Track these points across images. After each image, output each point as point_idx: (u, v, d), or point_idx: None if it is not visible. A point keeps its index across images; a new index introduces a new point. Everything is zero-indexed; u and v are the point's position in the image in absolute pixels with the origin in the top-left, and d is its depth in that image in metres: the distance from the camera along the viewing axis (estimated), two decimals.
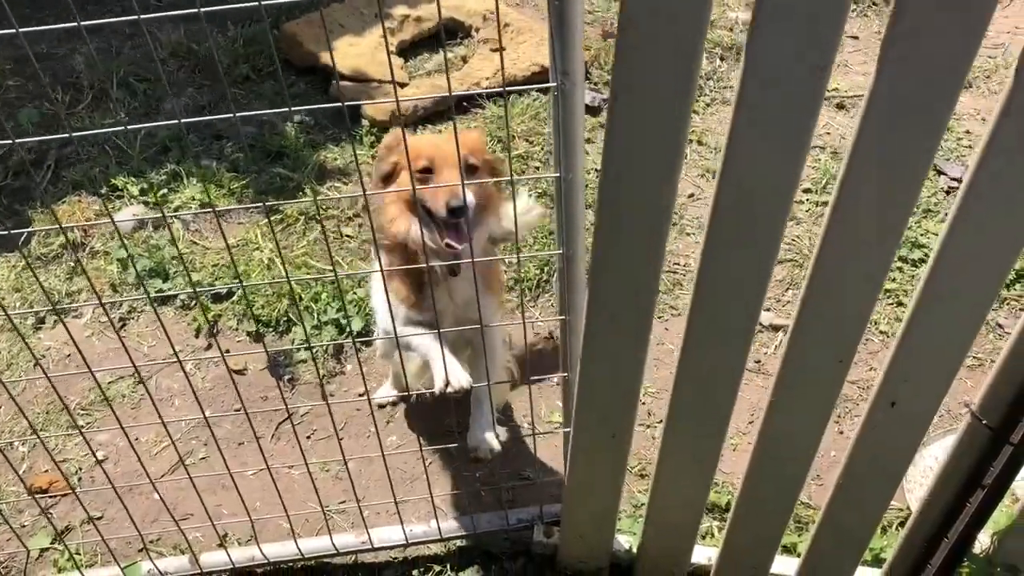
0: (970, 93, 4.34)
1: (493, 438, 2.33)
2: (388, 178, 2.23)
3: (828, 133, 4.09)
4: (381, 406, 2.97)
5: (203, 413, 2.24)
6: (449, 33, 4.68)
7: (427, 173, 2.08)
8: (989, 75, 4.42)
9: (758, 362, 3.09)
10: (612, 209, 1.54)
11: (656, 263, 1.66)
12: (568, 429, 2.16)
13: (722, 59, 4.51)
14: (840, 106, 4.25)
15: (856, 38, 4.75)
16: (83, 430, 2.89)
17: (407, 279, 2.27)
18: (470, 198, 2.04)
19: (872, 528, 2.04)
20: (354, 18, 4.52)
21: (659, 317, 3.23)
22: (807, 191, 3.75)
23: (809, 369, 1.74)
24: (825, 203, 3.71)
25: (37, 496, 2.71)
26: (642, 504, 2.48)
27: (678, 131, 1.41)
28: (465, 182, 1.88)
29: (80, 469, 2.81)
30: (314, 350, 3.08)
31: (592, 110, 4.18)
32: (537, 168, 3.86)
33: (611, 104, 1.40)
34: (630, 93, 1.37)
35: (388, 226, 2.18)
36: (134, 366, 1.97)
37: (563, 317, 1.94)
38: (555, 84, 1.55)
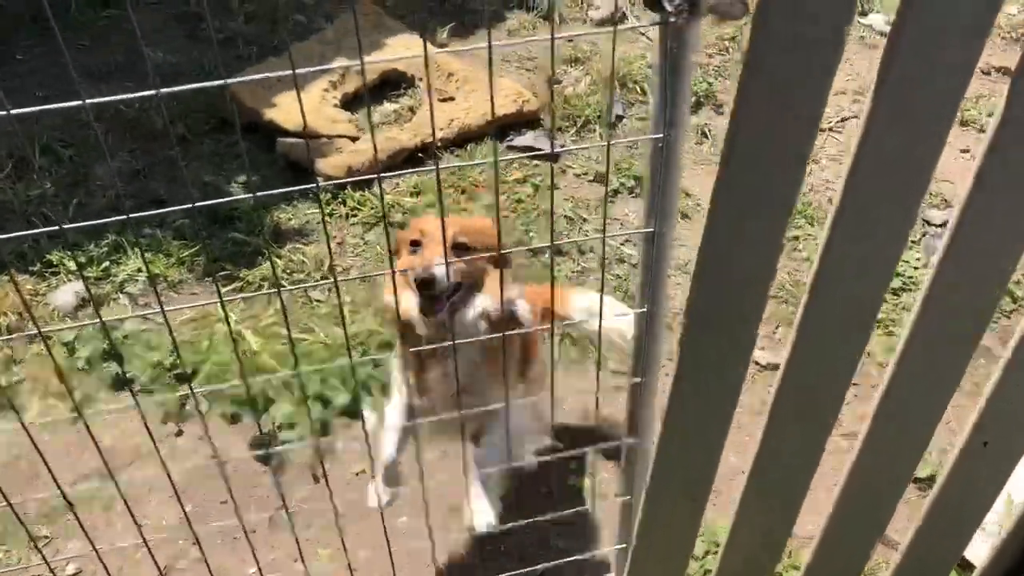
0: None
1: (491, 510, 2.27)
2: (398, 253, 2.22)
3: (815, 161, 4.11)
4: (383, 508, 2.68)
5: (186, 514, 1.98)
6: (392, 84, 4.54)
7: (417, 246, 2.10)
8: None
9: (764, 403, 3.01)
10: (717, 265, 1.43)
11: (756, 320, 1.56)
12: (627, 497, 2.02)
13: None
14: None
15: None
16: (48, 543, 2.57)
17: (412, 362, 2.25)
18: (442, 273, 1.99)
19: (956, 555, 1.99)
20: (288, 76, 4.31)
21: None
22: (811, 224, 3.74)
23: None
24: (795, 237, 3.74)
25: None
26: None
27: (792, 194, 1.33)
28: (451, 260, 1.98)
29: None
30: (299, 432, 2.84)
31: (549, 156, 4.09)
32: (505, 217, 3.73)
33: (724, 160, 1.29)
34: (746, 150, 1.27)
35: (390, 303, 2.20)
36: (107, 467, 1.71)
37: (637, 379, 1.80)
38: (660, 135, 1.43)
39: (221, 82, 1.17)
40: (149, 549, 1.78)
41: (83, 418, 1.35)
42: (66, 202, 3.74)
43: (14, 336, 3.17)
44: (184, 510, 1.69)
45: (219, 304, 3.17)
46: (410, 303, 2.10)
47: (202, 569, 2.50)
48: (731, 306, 1.51)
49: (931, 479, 2.72)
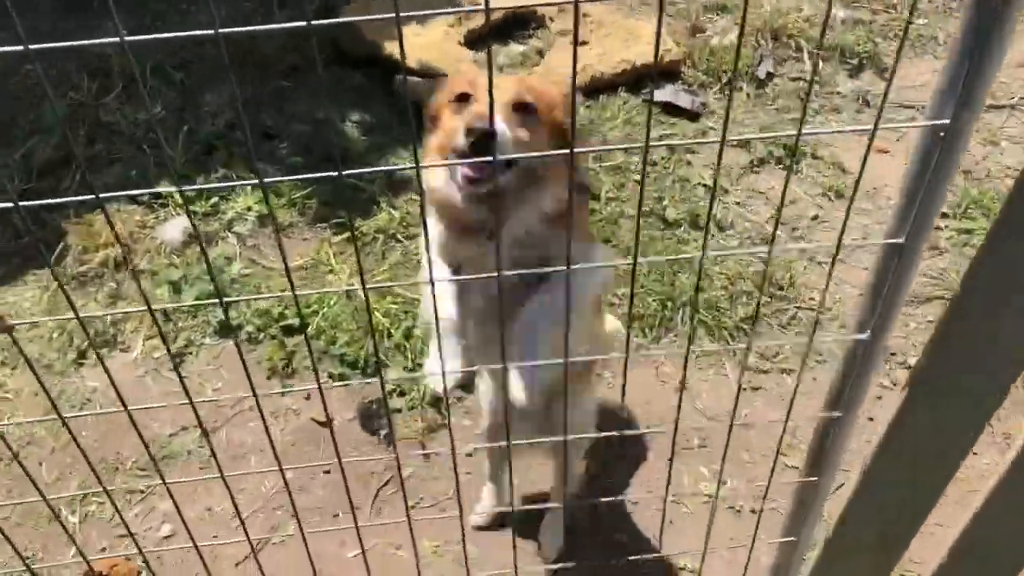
0: None
1: (558, 536, 2.30)
2: (434, 123, 1.65)
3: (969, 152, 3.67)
4: (479, 528, 2.43)
5: (285, 481, 1.78)
6: (520, 23, 4.21)
7: (464, 101, 1.55)
8: None
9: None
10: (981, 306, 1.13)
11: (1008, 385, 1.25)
12: (791, 539, 1.75)
13: (824, 60, 4.07)
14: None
15: None
16: (143, 499, 2.44)
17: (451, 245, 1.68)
18: (503, 129, 1.46)
19: None
20: (418, 5, 4.03)
21: (809, 367, 2.81)
22: (944, 216, 3.34)
23: None
24: (967, 230, 3.33)
25: None
26: None
27: None
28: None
29: (144, 547, 2.34)
30: (410, 398, 2.63)
31: (689, 114, 3.74)
32: (637, 182, 3.41)
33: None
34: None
35: (425, 180, 1.61)
36: (199, 422, 1.50)
37: (835, 414, 1.50)
38: (945, 121, 1.11)
39: (340, 20, 0.91)
40: (243, 522, 1.58)
41: (177, 370, 1.12)
42: (175, 128, 3.56)
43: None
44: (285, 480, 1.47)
45: (332, 256, 2.97)
46: (445, 180, 1.54)
47: (298, 546, 2.34)
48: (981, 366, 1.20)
49: None
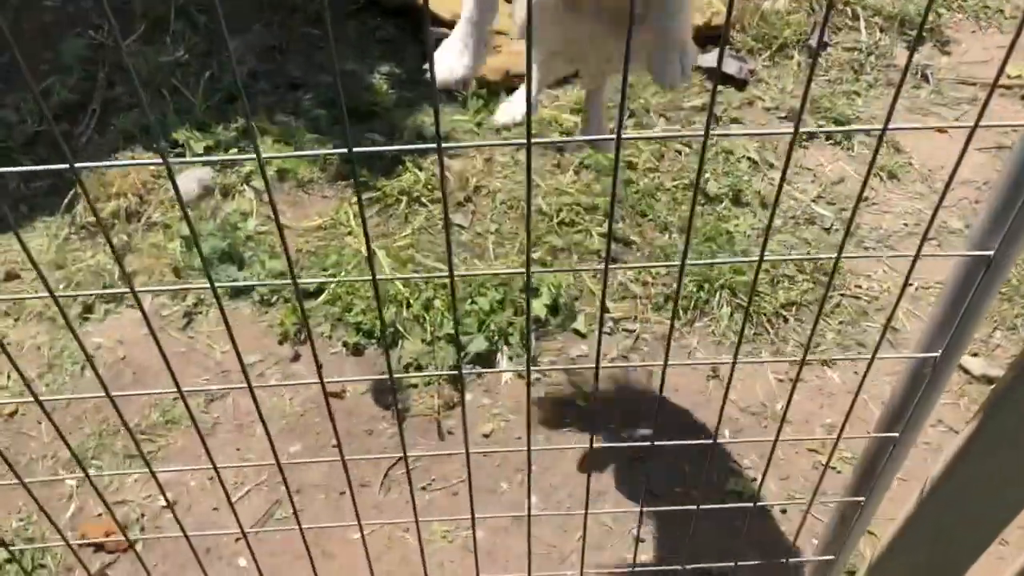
0: None
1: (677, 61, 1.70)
2: None
3: (1015, 131, 3.43)
4: (506, 127, 2.27)
5: (279, 469, 1.66)
6: None
7: None
8: None
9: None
10: None
11: None
12: (830, 557, 1.61)
13: (882, 31, 3.83)
14: None
15: None
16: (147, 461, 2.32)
17: None
18: None
19: None
20: None
21: (847, 347, 2.65)
22: None
23: None
24: None
25: (91, 552, 2.15)
26: None
27: None
28: None
29: (143, 516, 2.24)
30: (429, 375, 2.49)
31: (736, 82, 3.53)
32: (678, 153, 3.22)
33: None
34: None
35: None
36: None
37: (891, 434, 1.35)
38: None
39: None
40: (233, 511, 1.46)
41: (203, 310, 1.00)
42: (198, 73, 3.42)
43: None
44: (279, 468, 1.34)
45: (352, 216, 2.83)
46: None
47: (302, 522, 2.22)
48: None
49: None
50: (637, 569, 2.08)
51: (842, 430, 1.30)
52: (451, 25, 3.49)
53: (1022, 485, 1.24)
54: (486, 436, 2.43)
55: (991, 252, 1.06)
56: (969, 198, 3.16)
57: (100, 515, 2.24)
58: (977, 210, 3.14)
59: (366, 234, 0.84)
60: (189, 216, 0.86)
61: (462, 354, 2.54)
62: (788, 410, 2.39)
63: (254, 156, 0.84)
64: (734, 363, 1.13)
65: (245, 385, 1.08)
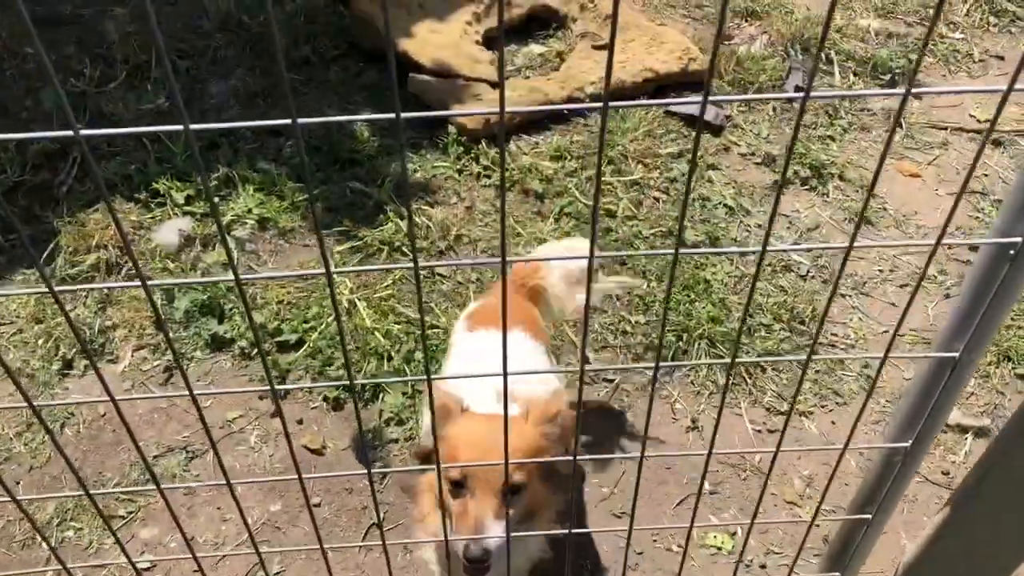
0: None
1: None
2: (426, 459, 1.85)
3: (986, 175, 3.51)
4: None
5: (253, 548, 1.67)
6: (541, 23, 4.05)
7: (460, 488, 1.64)
8: None
9: (946, 474, 2.54)
10: None
11: None
12: (835, 574, 1.62)
13: (856, 75, 3.90)
14: (996, 143, 3.67)
15: (1002, 58, 4.16)
16: (123, 525, 2.32)
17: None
18: (498, 543, 1.57)
19: None
20: (435, 3, 3.87)
21: (822, 406, 2.68)
22: (973, 249, 3.18)
23: None
24: None
25: None
26: None
27: None
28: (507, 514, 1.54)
29: None
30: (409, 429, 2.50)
31: (712, 127, 3.58)
32: (656, 200, 3.26)
33: None
34: None
35: (417, 519, 1.83)
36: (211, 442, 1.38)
37: (864, 515, 1.37)
38: (1015, 240, 0.97)
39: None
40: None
41: (188, 383, 1.01)
42: (179, 121, 3.42)
43: (111, 286, 2.90)
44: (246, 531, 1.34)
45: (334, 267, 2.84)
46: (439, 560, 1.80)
47: None
48: None
49: None
50: None
51: (823, 498, 1.32)
52: (432, 72, 3.54)
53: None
54: None
55: (956, 354, 1.08)
56: (942, 244, 3.20)
57: None
58: (950, 255, 3.20)
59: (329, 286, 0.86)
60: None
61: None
62: (765, 461, 2.42)
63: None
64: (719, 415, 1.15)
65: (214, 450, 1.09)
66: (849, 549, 1.43)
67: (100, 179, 0.69)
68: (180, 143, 3.31)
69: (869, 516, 1.34)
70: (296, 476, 1.11)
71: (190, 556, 1.21)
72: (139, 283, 0.87)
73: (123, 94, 3.54)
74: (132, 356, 2.71)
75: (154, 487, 1.16)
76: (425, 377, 0.99)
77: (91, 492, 1.12)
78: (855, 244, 0.91)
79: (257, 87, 3.64)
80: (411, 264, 0.87)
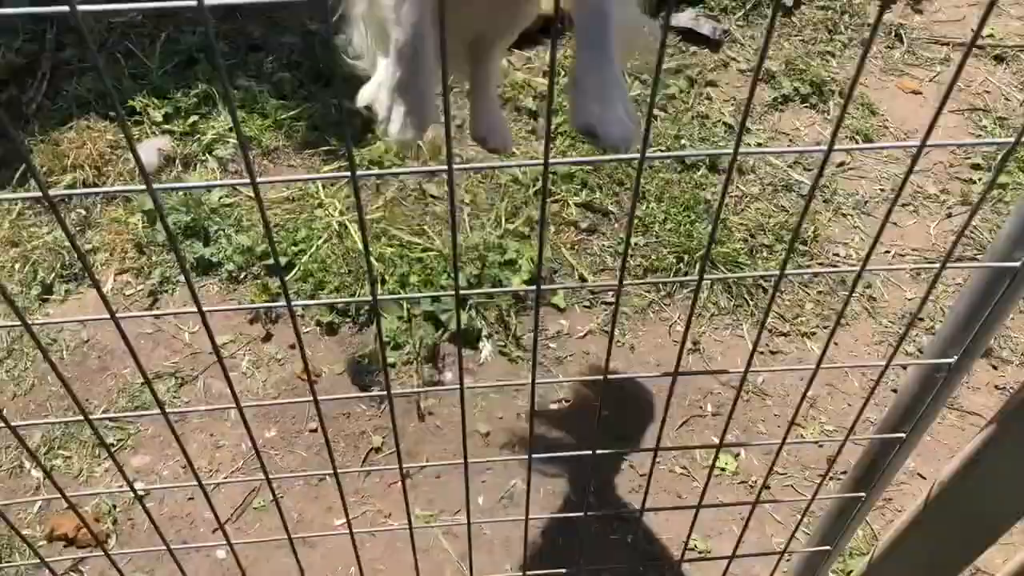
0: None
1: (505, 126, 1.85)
2: None
3: (988, 92, 3.43)
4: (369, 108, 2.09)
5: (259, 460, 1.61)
6: None
7: None
8: None
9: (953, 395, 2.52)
10: None
11: None
12: (826, 548, 1.60)
13: None
14: (999, 58, 3.58)
15: None
16: (114, 452, 2.25)
17: None
18: None
19: None
20: None
21: (824, 327, 2.64)
22: (976, 167, 3.12)
23: None
24: (1001, 185, 3.12)
25: (61, 547, 2.08)
26: None
27: None
28: None
29: (114, 508, 2.17)
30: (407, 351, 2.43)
31: (710, 43, 3.46)
32: (654, 118, 3.15)
33: None
34: None
35: None
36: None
37: (898, 435, 1.32)
38: None
39: None
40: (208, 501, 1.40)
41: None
42: (152, 35, 3.26)
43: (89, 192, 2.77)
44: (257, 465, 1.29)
45: (322, 187, 2.73)
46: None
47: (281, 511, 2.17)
48: None
49: None
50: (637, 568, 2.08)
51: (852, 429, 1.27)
52: None
53: None
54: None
55: (1018, 264, 1.02)
56: (944, 162, 3.15)
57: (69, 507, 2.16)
58: (951, 173, 3.13)
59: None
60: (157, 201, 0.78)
61: (441, 332, 2.48)
62: (767, 382, 2.38)
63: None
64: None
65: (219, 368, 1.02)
66: (878, 469, 1.39)
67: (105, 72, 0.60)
68: (156, 57, 3.14)
69: (903, 435, 1.30)
70: (311, 399, 1.05)
71: (188, 484, 1.15)
72: (144, 188, 0.78)
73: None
74: (115, 280, 2.60)
75: (154, 412, 1.08)
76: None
77: (90, 417, 1.04)
78: (834, 148, 0.82)
79: None
80: (444, 167, 0.78)
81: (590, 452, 1.25)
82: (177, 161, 2.89)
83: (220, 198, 2.79)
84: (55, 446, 2.25)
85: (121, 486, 2.21)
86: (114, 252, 2.65)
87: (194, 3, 0.62)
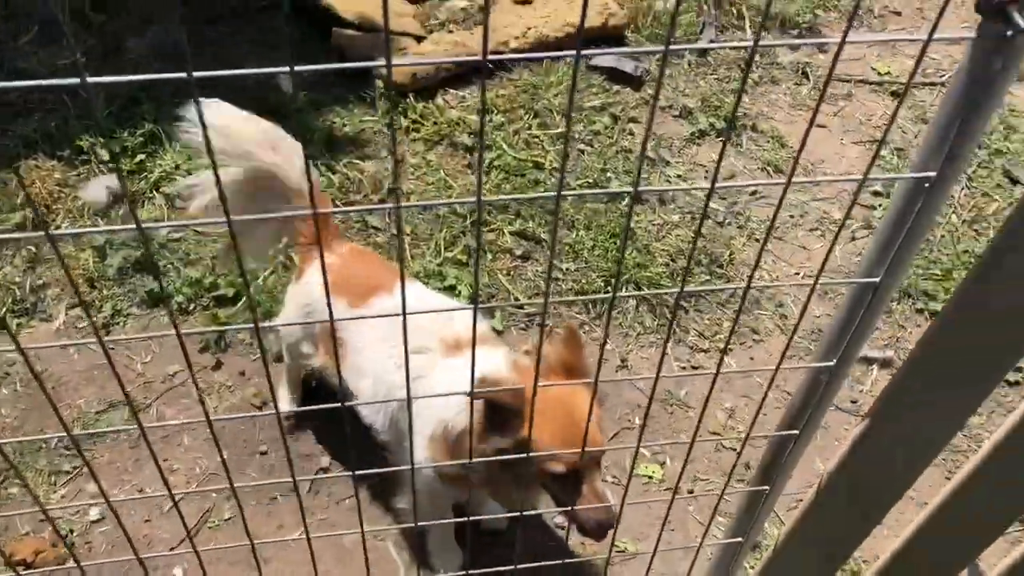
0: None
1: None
2: (504, 429, 1.69)
3: (902, 131, 3.73)
4: (288, 418, 2.52)
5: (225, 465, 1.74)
6: None
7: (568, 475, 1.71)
8: None
9: (854, 402, 2.76)
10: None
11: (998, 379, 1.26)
12: (738, 539, 1.78)
13: (766, 30, 4.07)
14: (895, 94, 3.89)
15: (899, 14, 4.39)
16: (70, 480, 2.34)
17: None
18: None
19: None
20: None
21: (740, 343, 2.86)
22: (876, 194, 3.40)
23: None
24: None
25: (20, 571, 2.15)
26: None
27: None
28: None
29: (71, 532, 2.26)
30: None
31: (633, 81, 3.70)
32: (581, 152, 3.37)
33: None
34: None
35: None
36: (128, 400, 1.45)
37: (792, 432, 1.52)
38: (930, 174, 1.10)
39: None
40: (177, 507, 1.53)
41: (103, 345, 1.06)
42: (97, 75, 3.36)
43: (31, 236, 2.86)
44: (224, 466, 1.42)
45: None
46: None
47: (234, 530, 2.29)
48: (986, 349, 1.20)
49: None
50: (566, 561, 2.24)
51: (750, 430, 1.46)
52: (355, 26, 3.55)
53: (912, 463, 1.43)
54: None
55: (877, 279, 1.22)
56: (848, 190, 3.42)
57: (27, 533, 2.25)
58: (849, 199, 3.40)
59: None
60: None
61: None
62: (690, 395, 2.58)
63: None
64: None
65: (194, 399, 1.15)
66: (777, 463, 1.58)
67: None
68: (101, 98, 3.25)
69: (797, 432, 1.49)
70: (274, 413, 1.19)
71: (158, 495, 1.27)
72: (134, 226, 0.92)
73: (36, 50, 3.44)
74: (67, 314, 2.69)
75: (100, 439, 1.21)
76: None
77: (74, 433, 1.17)
78: (719, 186, 1.02)
79: (176, 41, 3.58)
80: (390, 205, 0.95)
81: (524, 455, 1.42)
82: (126, 200, 2.99)
83: (167, 233, 2.90)
84: (11, 476, 2.32)
85: (76, 512, 2.30)
86: (65, 288, 2.74)
87: (77, 81, 0.75)
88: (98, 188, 2.98)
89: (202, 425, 2.43)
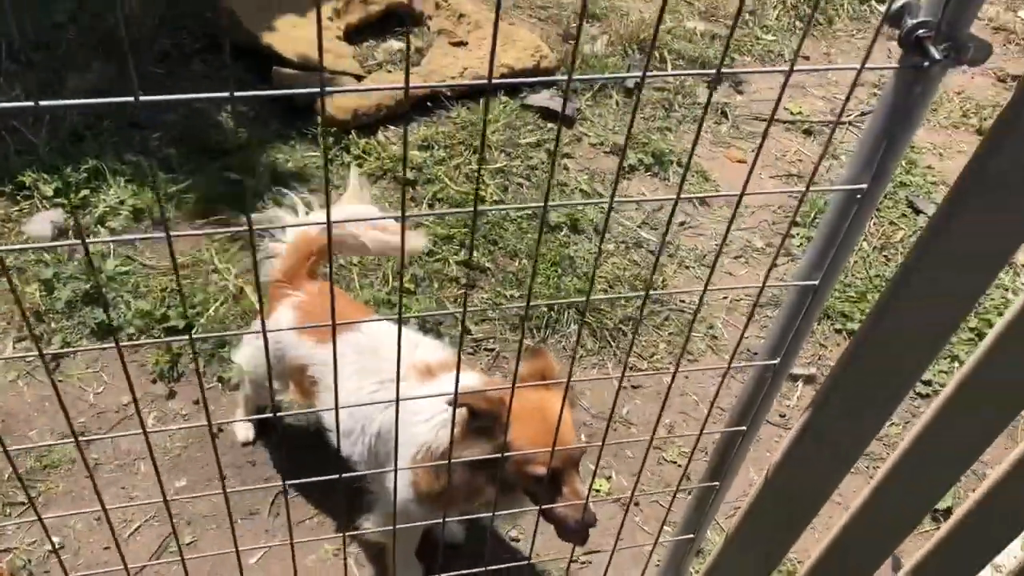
0: (923, 127, 4.39)
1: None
2: (486, 435, 1.81)
3: (801, 160, 4.01)
4: (245, 444, 2.60)
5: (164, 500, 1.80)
6: (398, 20, 4.22)
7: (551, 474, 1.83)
8: (936, 108, 4.49)
9: (782, 416, 2.95)
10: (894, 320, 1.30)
11: (914, 381, 1.43)
12: (690, 536, 1.92)
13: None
14: (807, 132, 4.18)
15: (807, 58, 4.72)
16: (26, 510, 2.34)
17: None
18: None
19: None
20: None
21: (676, 355, 3.02)
22: (795, 224, 3.64)
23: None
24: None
25: None
26: None
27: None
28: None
29: (29, 562, 2.25)
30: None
31: (564, 119, 3.88)
32: (520, 186, 3.52)
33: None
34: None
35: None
36: (74, 435, 1.51)
37: (741, 428, 1.67)
38: (861, 186, 1.27)
39: None
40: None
41: (50, 376, 1.14)
42: (37, 115, 3.37)
43: None
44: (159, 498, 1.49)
45: (215, 254, 2.92)
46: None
47: (195, 552, 2.32)
48: (897, 364, 1.36)
49: (948, 511, 2.70)
50: (512, 565, 2.33)
51: (702, 431, 1.59)
52: (296, 65, 3.64)
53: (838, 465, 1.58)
54: None
55: (815, 283, 1.38)
56: (768, 220, 3.65)
57: None
58: (775, 230, 3.64)
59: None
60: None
61: None
62: (632, 414, 2.71)
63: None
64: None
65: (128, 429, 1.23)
66: (727, 460, 1.72)
67: None
68: (42, 134, 3.26)
69: (744, 428, 1.64)
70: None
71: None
72: (80, 241, 1.01)
73: None
74: (14, 347, 2.68)
75: (55, 469, 1.27)
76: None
77: (67, 442, 1.23)
78: (616, 201, 1.17)
79: (115, 80, 3.61)
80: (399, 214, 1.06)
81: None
82: (70, 233, 3.00)
83: (115, 266, 2.92)
84: None
85: (33, 542, 2.30)
86: (11, 321, 2.74)
87: (31, 104, 0.81)
88: (42, 223, 2.98)
89: (158, 451, 2.47)
